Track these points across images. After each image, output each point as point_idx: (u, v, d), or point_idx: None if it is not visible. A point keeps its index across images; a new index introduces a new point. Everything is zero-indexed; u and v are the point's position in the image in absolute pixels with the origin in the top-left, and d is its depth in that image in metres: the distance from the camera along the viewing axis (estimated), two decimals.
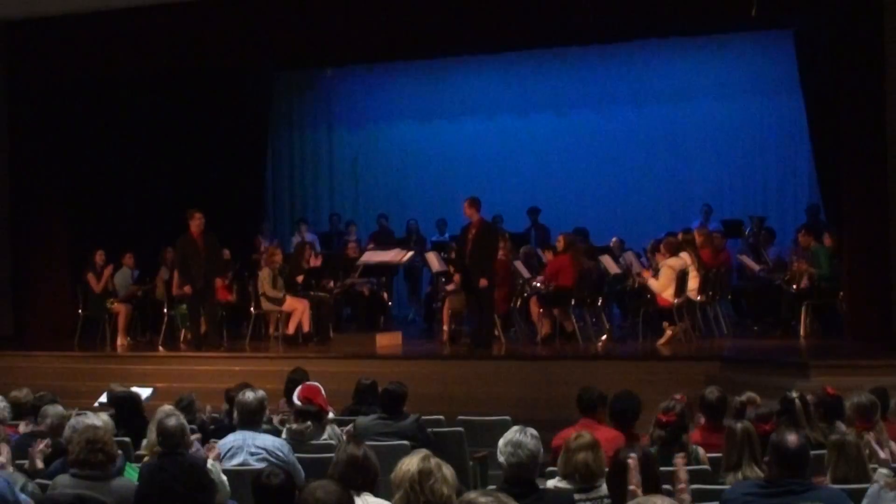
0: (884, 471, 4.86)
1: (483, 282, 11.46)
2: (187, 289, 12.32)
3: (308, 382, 7.36)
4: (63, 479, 5.06)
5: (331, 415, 7.31)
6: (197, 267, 12.19)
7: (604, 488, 4.84)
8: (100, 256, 13.28)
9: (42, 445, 6.07)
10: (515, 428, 4.76)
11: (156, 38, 13.00)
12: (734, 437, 5.48)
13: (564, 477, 4.96)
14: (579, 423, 6.10)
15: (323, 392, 7.15)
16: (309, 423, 6.81)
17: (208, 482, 5.16)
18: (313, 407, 6.89)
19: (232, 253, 13.73)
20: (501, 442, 4.68)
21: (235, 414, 6.50)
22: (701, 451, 6.01)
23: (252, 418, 6.32)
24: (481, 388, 10.54)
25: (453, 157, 16.93)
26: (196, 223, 12.16)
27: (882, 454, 5.04)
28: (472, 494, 3.62)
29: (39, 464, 5.92)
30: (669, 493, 5.07)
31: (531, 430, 4.72)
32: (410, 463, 4.13)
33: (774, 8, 10.86)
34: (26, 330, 13.94)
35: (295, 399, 6.97)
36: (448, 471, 4.15)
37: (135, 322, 13.54)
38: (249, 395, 6.37)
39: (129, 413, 7.10)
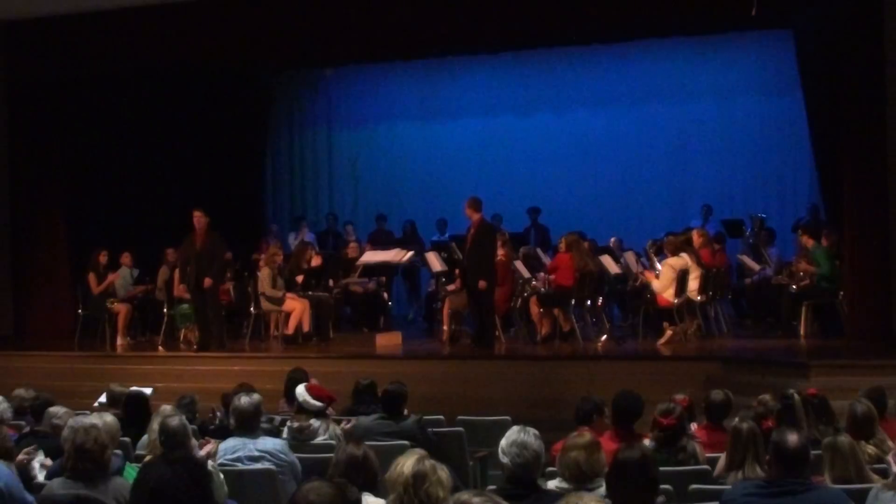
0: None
1: (482, 283, 11.46)
2: (183, 287, 12.34)
3: (309, 383, 7.37)
4: (57, 482, 5.06)
5: (330, 412, 7.32)
6: (191, 266, 12.15)
7: (602, 489, 4.83)
8: (103, 257, 13.27)
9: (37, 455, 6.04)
10: (517, 428, 4.73)
11: (156, 37, 12.99)
12: (740, 437, 5.48)
13: (562, 476, 4.95)
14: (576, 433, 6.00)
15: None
16: (311, 421, 6.81)
17: (208, 482, 5.15)
18: (324, 400, 6.88)
19: (232, 253, 13.72)
20: (505, 442, 4.64)
21: (232, 419, 6.45)
22: (698, 447, 6.02)
23: (249, 424, 6.22)
24: (481, 388, 10.53)
25: (453, 157, 16.93)
26: (195, 221, 12.10)
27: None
28: (465, 495, 3.58)
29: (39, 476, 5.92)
30: (669, 494, 5.08)
31: (533, 431, 4.70)
32: (405, 465, 4.07)
33: (774, 8, 10.87)
34: (26, 330, 13.93)
35: (306, 394, 6.95)
36: (444, 473, 4.08)
37: (135, 322, 13.53)
38: (245, 401, 6.23)
39: (137, 413, 7.07)
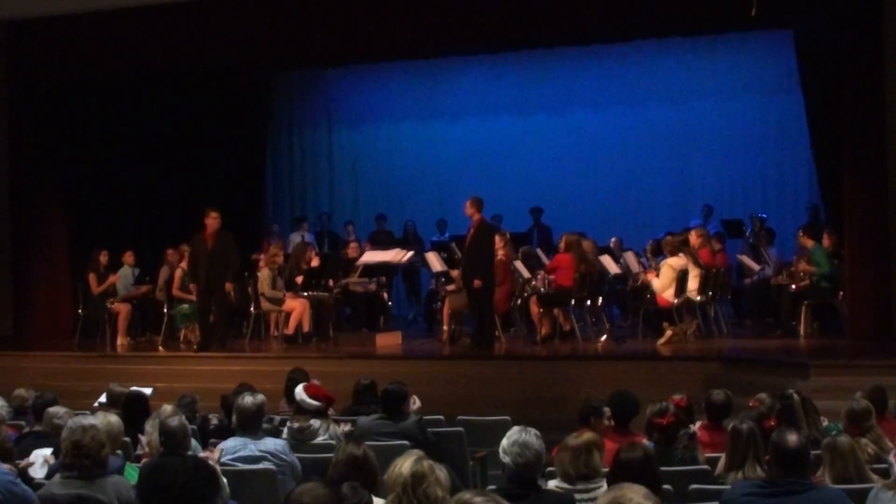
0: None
1: (477, 282, 11.46)
2: (192, 287, 12.35)
3: (308, 383, 7.36)
4: (56, 480, 5.07)
5: (331, 412, 7.32)
6: (201, 266, 12.13)
7: (603, 488, 4.83)
8: (104, 257, 13.26)
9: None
10: (518, 428, 4.73)
11: (156, 38, 13.00)
12: (740, 437, 5.48)
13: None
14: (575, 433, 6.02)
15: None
16: (311, 422, 6.81)
17: (212, 480, 5.13)
18: (322, 400, 6.88)
19: None
20: (506, 442, 4.64)
21: (234, 418, 6.44)
22: (698, 447, 6.02)
23: (251, 424, 6.19)
24: (481, 388, 10.53)
25: (453, 157, 16.94)
26: (208, 221, 12.07)
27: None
28: (467, 495, 3.58)
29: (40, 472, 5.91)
30: (668, 494, 5.08)
31: (534, 431, 4.70)
32: (403, 465, 4.07)
33: (774, 8, 10.87)
34: (26, 330, 13.93)
35: (303, 394, 6.95)
36: (442, 473, 4.09)
37: (135, 322, 13.53)
38: (248, 400, 6.20)
39: (137, 413, 7.07)
